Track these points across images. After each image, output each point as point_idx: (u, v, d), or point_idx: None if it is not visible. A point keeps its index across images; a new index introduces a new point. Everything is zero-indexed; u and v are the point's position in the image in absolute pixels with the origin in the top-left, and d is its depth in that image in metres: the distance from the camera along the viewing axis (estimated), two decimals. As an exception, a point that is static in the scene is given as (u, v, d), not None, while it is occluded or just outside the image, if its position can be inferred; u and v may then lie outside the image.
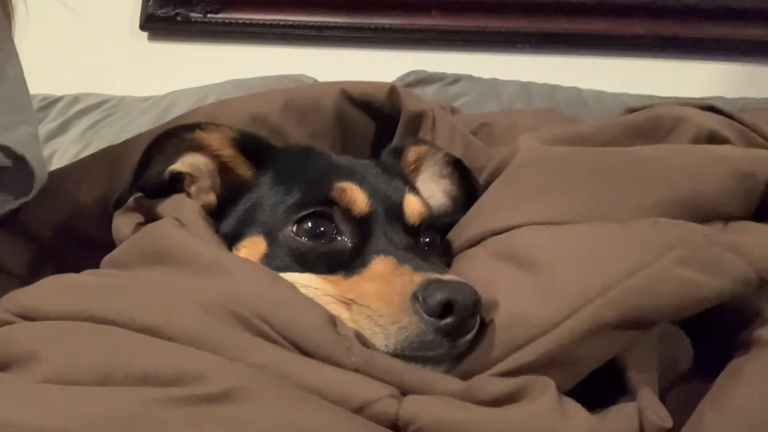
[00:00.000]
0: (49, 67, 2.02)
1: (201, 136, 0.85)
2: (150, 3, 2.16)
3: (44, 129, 1.79)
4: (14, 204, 0.94)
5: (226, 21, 2.12)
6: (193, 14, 2.13)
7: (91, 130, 1.77)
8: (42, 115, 1.85)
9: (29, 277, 0.93)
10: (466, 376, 0.66)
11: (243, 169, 0.87)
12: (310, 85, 1.09)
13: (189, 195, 0.86)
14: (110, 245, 0.85)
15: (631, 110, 0.99)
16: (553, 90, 1.77)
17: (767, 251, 0.70)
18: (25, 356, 0.62)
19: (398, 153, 0.97)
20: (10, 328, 0.67)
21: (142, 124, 1.70)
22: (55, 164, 1.63)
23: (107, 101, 1.89)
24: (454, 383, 0.64)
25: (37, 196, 0.94)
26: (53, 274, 0.85)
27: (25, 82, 0.98)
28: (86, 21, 2.21)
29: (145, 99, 1.87)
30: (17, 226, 0.95)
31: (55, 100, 1.91)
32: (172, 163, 0.85)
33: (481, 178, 0.94)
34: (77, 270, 0.78)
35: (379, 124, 1.05)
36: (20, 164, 0.91)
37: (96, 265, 0.82)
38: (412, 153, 0.97)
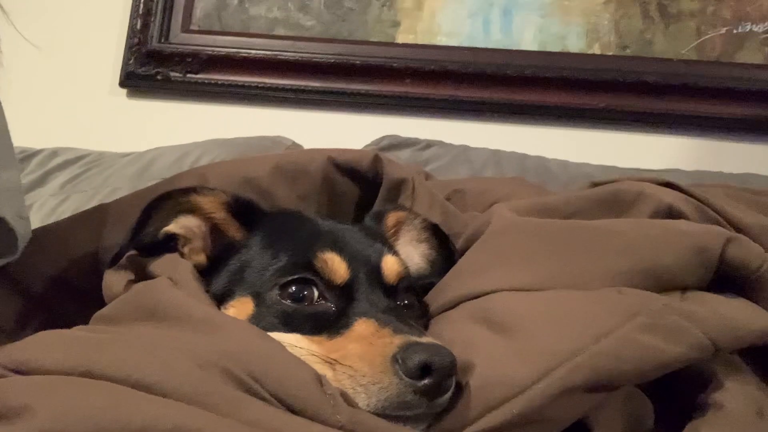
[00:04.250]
0: (27, 121, 2.04)
1: (196, 199, 0.89)
2: (131, 61, 2.18)
3: (22, 181, 1.79)
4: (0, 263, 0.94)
5: (206, 81, 2.16)
6: (173, 73, 2.16)
7: (70, 183, 1.78)
8: (20, 167, 1.85)
9: (15, 330, 0.94)
10: (444, 434, 0.70)
11: (234, 231, 0.91)
12: (298, 151, 1.15)
13: (182, 255, 0.89)
14: (101, 299, 0.87)
15: (596, 184, 1.06)
16: (521, 158, 1.84)
17: (721, 321, 0.76)
18: (18, 409, 0.62)
19: (379, 218, 1.02)
20: (2, 382, 0.67)
21: (124, 177, 1.72)
22: (34, 216, 1.63)
23: (86, 156, 1.90)
24: (434, 442, 0.67)
25: (27, 248, 0.95)
26: (41, 327, 0.86)
27: (8, 135, 0.98)
28: (66, 76, 2.25)
29: (125, 155, 1.89)
30: (5, 278, 0.96)
31: (34, 153, 1.92)
32: (166, 224, 0.88)
33: (458, 244, 0.99)
34: (66, 323, 0.79)
35: (363, 189, 1.10)
36: (1, 223, 0.91)
37: (86, 319, 0.83)
38: (391, 218, 1.02)
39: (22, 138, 1.88)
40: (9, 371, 0.69)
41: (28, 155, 1.91)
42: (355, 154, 1.08)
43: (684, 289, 0.84)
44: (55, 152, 1.93)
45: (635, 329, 0.73)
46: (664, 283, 0.83)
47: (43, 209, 1.68)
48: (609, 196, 0.98)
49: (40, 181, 1.82)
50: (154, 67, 2.19)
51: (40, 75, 2.21)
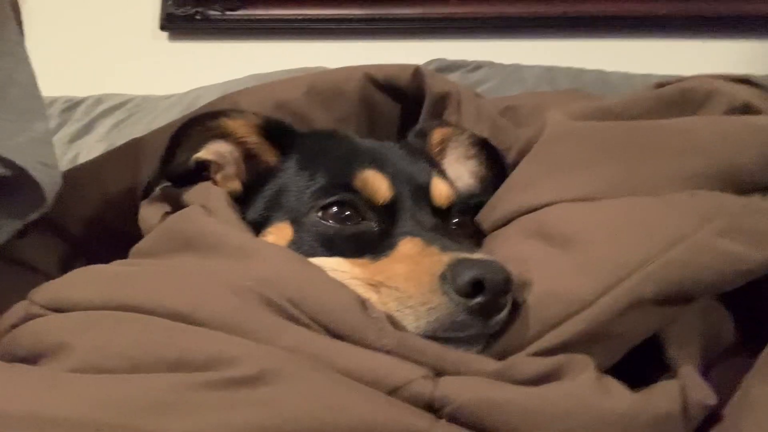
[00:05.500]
0: (71, 70, 2.05)
1: (226, 123, 0.85)
2: (169, 2, 2.15)
3: (69, 130, 1.80)
4: (32, 216, 0.92)
5: (245, 17, 2.12)
6: (212, 12, 2.13)
7: (115, 129, 1.77)
8: (66, 116, 1.85)
9: (62, 275, 0.93)
10: (501, 356, 0.65)
11: (268, 155, 0.87)
12: (333, 70, 1.08)
13: (215, 182, 0.85)
14: (140, 238, 0.85)
15: (661, 84, 0.97)
16: (578, 73, 1.73)
17: (810, 221, 0.68)
18: (56, 347, 0.62)
19: (423, 134, 0.96)
20: (39, 321, 0.67)
21: (168, 119, 1.69)
22: (81, 164, 1.63)
23: (130, 101, 1.89)
24: (490, 363, 0.63)
25: (65, 191, 0.93)
26: (85, 269, 0.84)
27: (36, 85, 0.95)
28: (107, 23, 2.25)
29: (168, 97, 1.87)
30: (47, 223, 0.95)
31: (79, 102, 1.91)
32: (197, 151, 0.85)
33: (509, 157, 0.92)
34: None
35: (405, 106, 1.03)
36: (24, 173, 0.88)
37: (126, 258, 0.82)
38: (437, 135, 0.95)
39: (67, 87, 1.90)
40: (47, 309, 0.69)
41: (75, 104, 1.91)
42: (393, 69, 1.01)
43: (766, 189, 0.75)
44: (99, 99, 1.92)
45: (712, 234, 0.65)
46: (742, 184, 0.74)
47: (90, 156, 1.67)
48: (676, 96, 0.88)
49: (87, 129, 1.81)
50: (193, 6, 2.16)
51: (81, 23, 2.21)
